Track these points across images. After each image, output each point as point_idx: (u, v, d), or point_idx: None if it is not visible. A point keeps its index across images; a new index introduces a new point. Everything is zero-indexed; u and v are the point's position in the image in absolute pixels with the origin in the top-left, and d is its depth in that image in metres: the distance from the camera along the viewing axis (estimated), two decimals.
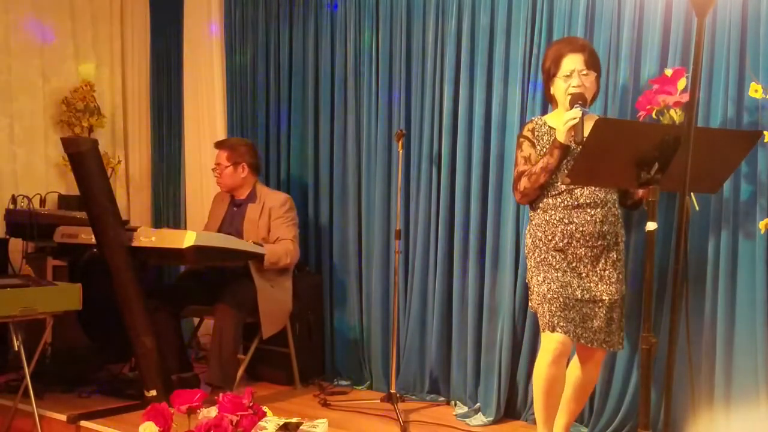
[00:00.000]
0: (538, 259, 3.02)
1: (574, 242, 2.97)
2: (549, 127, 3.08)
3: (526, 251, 3.13)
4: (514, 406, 3.78)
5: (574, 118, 2.86)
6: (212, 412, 2.60)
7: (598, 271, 2.99)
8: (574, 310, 2.94)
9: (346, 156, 4.45)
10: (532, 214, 3.12)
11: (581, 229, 2.96)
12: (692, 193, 3.07)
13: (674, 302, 2.09)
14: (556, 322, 2.91)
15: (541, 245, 3.02)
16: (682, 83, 3.02)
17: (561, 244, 2.98)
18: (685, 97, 2.99)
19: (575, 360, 3.12)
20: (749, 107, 3.05)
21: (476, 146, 3.84)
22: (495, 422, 3.72)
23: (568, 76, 2.99)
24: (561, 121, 2.94)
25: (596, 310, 2.98)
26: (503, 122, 3.75)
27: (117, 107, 5.50)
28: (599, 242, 2.98)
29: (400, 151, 3.95)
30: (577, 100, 2.92)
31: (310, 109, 4.61)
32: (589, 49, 3.05)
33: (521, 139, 3.13)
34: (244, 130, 4.92)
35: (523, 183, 3.03)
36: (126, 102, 5.55)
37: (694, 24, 3.06)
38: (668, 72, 3.08)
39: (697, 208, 3.13)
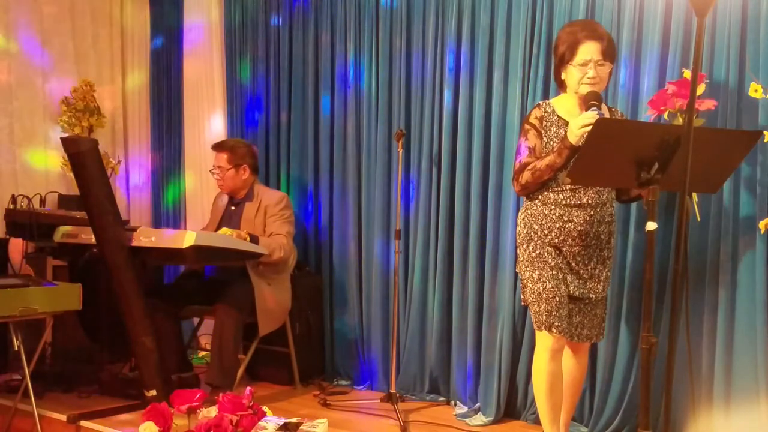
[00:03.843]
0: (533, 255, 2.96)
1: (570, 240, 2.93)
2: (558, 116, 2.95)
3: (518, 240, 3.04)
4: (514, 406, 3.78)
5: (591, 125, 2.68)
6: (212, 412, 2.60)
7: (590, 269, 2.98)
8: (566, 308, 2.94)
9: (346, 156, 4.45)
10: (528, 203, 3.02)
11: (579, 228, 2.91)
12: (695, 202, 3.06)
13: (674, 302, 2.09)
14: (552, 321, 2.90)
15: (536, 238, 2.95)
16: (701, 89, 2.94)
17: (557, 241, 2.93)
18: (704, 104, 2.94)
19: (564, 353, 3.09)
20: (749, 107, 3.05)
21: (476, 146, 3.84)
22: (495, 422, 3.72)
23: (583, 65, 2.86)
24: (572, 122, 2.80)
25: (581, 306, 3.00)
26: (503, 122, 3.75)
27: (117, 107, 5.50)
28: (593, 242, 2.95)
29: (400, 151, 3.95)
30: (591, 99, 2.80)
31: (310, 109, 4.61)
32: (607, 37, 2.91)
33: (527, 126, 2.98)
34: (244, 130, 4.92)
35: (526, 177, 2.92)
36: (126, 102, 5.54)
37: (694, 24, 3.06)
38: (687, 73, 3.02)
39: (698, 218, 3.10)
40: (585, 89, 2.88)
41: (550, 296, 2.90)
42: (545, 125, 2.96)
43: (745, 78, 3.04)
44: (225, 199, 4.38)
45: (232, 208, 4.32)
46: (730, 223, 3.10)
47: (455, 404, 3.97)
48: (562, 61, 2.93)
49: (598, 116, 2.72)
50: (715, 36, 3.13)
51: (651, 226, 2.29)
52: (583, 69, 2.87)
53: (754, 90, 2.90)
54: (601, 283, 2.99)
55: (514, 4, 3.71)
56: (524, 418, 3.74)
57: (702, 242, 3.17)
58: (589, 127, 2.69)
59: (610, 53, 2.91)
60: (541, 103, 3.05)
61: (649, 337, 2.25)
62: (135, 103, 5.55)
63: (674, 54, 3.21)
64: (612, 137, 2.37)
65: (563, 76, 2.96)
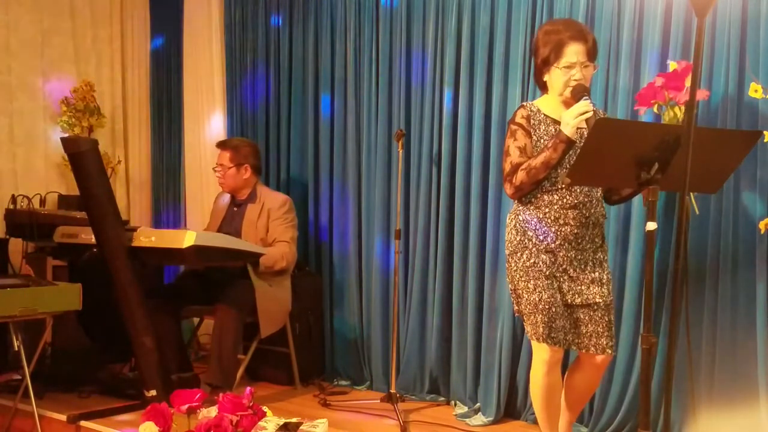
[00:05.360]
0: (527, 264, 2.83)
1: (566, 244, 2.83)
2: (545, 115, 2.87)
3: (509, 249, 2.91)
4: (514, 406, 3.78)
5: (587, 112, 2.66)
6: (212, 412, 2.60)
7: (588, 274, 2.86)
8: (564, 318, 2.82)
9: (346, 156, 4.45)
10: (520, 207, 2.90)
11: (575, 231, 2.82)
12: (692, 196, 3.05)
13: (674, 302, 2.09)
14: (547, 333, 2.79)
15: (530, 246, 2.84)
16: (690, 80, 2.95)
17: (553, 246, 2.84)
18: (698, 94, 2.93)
19: (575, 364, 3.03)
20: (749, 107, 3.05)
21: (476, 146, 3.84)
22: (495, 422, 3.72)
23: (568, 68, 2.78)
24: (566, 114, 2.73)
25: (590, 314, 2.86)
26: (503, 122, 3.74)
27: (117, 107, 5.50)
28: (588, 245, 2.86)
29: (400, 151, 3.95)
30: (581, 92, 2.75)
31: (310, 109, 4.61)
32: (591, 38, 2.83)
33: (514, 127, 2.87)
34: (244, 129, 4.93)
35: (520, 177, 2.80)
36: (126, 102, 5.55)
37: (694, 24, 3.06)
38: (674, 65, 3.01)
39: (697, 211, 3.10)
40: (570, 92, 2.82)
41: (546, 306, 2.80)
42: (533, 124, 2.87)
43: (745, 78, 3.04)
44: (227, 199, 4.38)
45: (234, 208, 4.32)
46: (730, 223, 3.10)
47: (455, 404, 3.97)
48: (546, 63, 2.85)
49: (591, 105, 2.69)
50: (715, 36, 3.13)
51: (651, 226, 2.29)
52: (568, 71, 2.80)
53: (754, 90, 2.89)
54: (605, 287, 2.87)
55: (514, 4, 3.71)
56: (524, 418, 3.74)
57: (702, 242, 3.17)
58: (585, 116, 2.67)
59: (594, 53, 2.85)
60: (525, 103, 2.97)
61: (649, 337, 2.24)
62: (135, 103, 5.55)
63: (674, 54, 3.21)
64: (612, 137, 2.37)
65: (545, 77, 2.89)
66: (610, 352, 2.89)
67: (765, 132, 2.76)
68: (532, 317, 2.83)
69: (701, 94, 2.96)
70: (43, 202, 4.65)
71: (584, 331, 2.88)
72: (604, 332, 2.88)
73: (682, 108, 2.97)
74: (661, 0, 3.26)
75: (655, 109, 3.06)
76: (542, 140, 2.85)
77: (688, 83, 2.94)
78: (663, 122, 3.06)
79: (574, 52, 2.78)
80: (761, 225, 2.92)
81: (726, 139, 2.54)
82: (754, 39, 3.03)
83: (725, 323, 3.11)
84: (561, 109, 2.85)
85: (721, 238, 3.11)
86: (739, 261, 3.08)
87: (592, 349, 2.88)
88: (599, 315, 2.87)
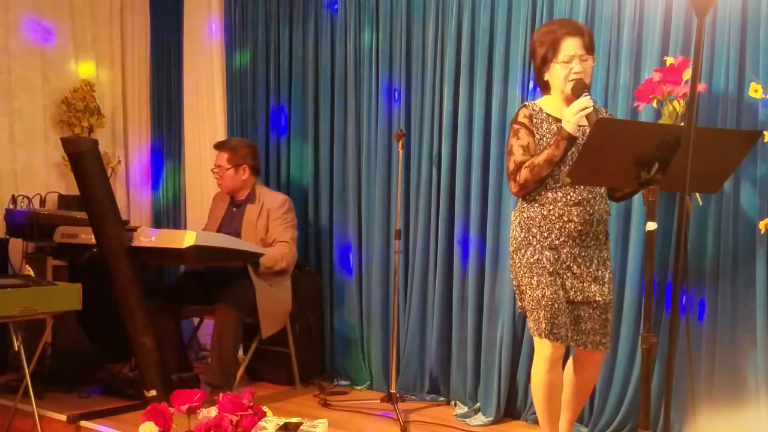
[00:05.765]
0: (531, 260, 2.85)
1: (570, 241, 2.84)
2: (546, 114, 2.89)
3: (514, 245, 2.93)
4: (514, 406, 3.78)
5: (587, 108, 2.69)
6: (212, 412, 2.60)
7: (592, 272, 2.87)
8: (566, 314, 2.83)
9: (346, 156, 4.45)
10: (524, 205, 2.91)
11: (579, 228, 2.83)
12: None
13: (674, 302, 2.09)
14: (549, 329, 2.80)
15: (535, 242, 2.85)
16: (687, 74, 2.94)
17: (557, 242, 2.84)
18: (696, 95, 2.94)
19: (573, 361, 3.03)
20: (749, 107, 3.05)
21: (476, 146, 3.84)
22: (495, 422, 3.72)
23: (567, 62, 2.81)
24: (566, 110, 2.76)
25: (590, 311, 2.88)
26: (503, 122, 3.74)
27: (117, 107, 5.50)
28: (593, 242, 2.87)
29: (400, 151, 3.95)
30: (581, 88, 2.77)
31: (310, 109, 4.61)
32: (587, 32, 2.88)
33: (517, 126, 2.90)
34: (244, 130, 4.93)
35: (524, 175, 2.82)
36: (126, 102, 5.54)
37: (694, 24, 3.06)
38: (670, 60, 3.02)
39: (700, 203, 3.10)
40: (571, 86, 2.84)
41: (549, 303, 2.81)
42: (535, 123, 2.89)
43: (745, 78, 3.04)
44: (226, 199, 4.38)
45: (234, 209, 4.32)
46: (730, 223, 3.10)
47: (455, 404, 3.97)
48: (545, 61, 2.87)
49: (591, 101, 2.72)
50: (715, 36, 3.13)
51: (651, 226, 2.29)
52: (568, 65, 2.82)
53: (754, 90, 2.90)
54: (606, 286, 2.89)
55: (514, 4, 3.71)
56: (524, 418, 3.74)
57: (702, 242, 3.17)
58: (585, 112, 2.70)
59: (591, 47, 2.88)
60: (527, 103, 2.98)
61: (649, 337, 2.24)
62: (135, 103, 5.55)
63: (674, 54, 3.20)
64: (612, 137, 2.37)
65: (546, 76, 2.91)
66: (602, 348, 2.93)
67: (765, 132, 2.76)
68: (535, 313, 2.85)
69: (699, 87, 2.96)
70: (43, 202, 4.65)
71: (583, 328, 2.91)
72: (599, 329, 2.91)
73: (681, 102, 2.97)
74: (661, 0, 3.26)
75: (654, 104, 3.08)
76: (545, 139, 2.87)
77: (685, 77, 2.97)
78: (662, 116, 3.07)
79: (571, 45, 2.82)
80: (761, 225, 2.92)
81: (726, 139, 2.54)
82: (754, 39, 3.04)
83: (725, 323, 3.11)
84: (563, 107, 2.86)
85: (721, 238, 3.11)
86: (739, 261, 3.08)
87: (590, 346, 2.91)
88: (597, 313, 2.90)
